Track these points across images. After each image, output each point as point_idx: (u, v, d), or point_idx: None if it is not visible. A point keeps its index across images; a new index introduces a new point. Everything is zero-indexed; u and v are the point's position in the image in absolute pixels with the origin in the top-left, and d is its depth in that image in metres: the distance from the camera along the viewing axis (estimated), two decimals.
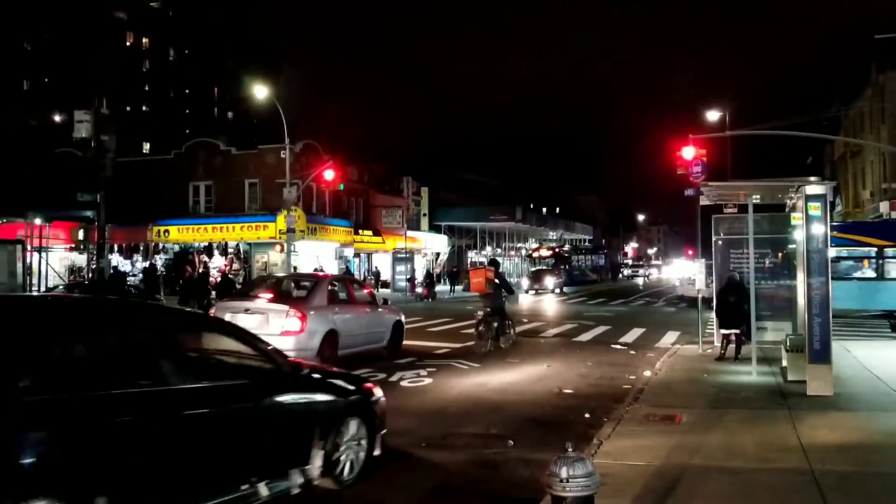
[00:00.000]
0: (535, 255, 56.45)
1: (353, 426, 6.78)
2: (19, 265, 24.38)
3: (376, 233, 47.99)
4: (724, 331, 14.54)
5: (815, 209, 10.77)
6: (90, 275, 31.99)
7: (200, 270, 34.46)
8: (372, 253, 49.96)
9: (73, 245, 36.41)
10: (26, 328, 4.81)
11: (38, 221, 29.17)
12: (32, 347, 4.67)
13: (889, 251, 23.86)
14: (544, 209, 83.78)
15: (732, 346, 14.34)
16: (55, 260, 33.67)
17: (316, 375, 6.95)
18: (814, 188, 10.96)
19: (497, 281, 17.63)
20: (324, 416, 6.50)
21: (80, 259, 36.47)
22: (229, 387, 5.77)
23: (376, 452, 7.05)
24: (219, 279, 30.08)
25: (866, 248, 23.61)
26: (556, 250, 57.38)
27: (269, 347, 6.45)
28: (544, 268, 49.68)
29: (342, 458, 6.61)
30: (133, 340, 5.35)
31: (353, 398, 6.96)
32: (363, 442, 6.89)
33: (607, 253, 69.82)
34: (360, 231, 46.07)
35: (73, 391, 4.58)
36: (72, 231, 35.52)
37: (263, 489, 5.66)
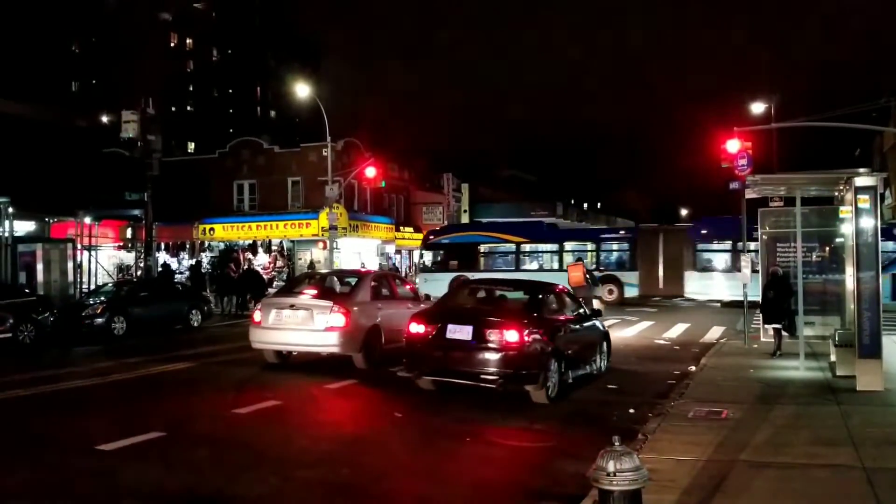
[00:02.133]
0: None
1: (605, 346, 13.15)
2: (70, 263, 24.95)
3: (417, 229, 48.10)
4: (768, 326, 14.37)
5: (865, 202, 10.56)
6: (138, 272, 32.60)
7: (245, 268, 34.90)
8: (413, 250, 50.07)
9: (121, 243, 37.07)
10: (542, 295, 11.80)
11: (87, 220, 29.67)
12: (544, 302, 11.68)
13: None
14: (585, 205, 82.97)
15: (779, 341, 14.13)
16: (104, 258, 34.20)
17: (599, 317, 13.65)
18: (863, 180, 10.75)
19: (588, 275, 20.59)
20: (601, 337, 13.02)
21: (129, 257, 37.11)
22: (579, 316, 12.30)
23: (610, 359, 13.32)
24: (254, 276, 30.44)
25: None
26: None
27: (578, 299, 13.57)
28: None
29: (602, 362, 12.86)
30: (556, 298, 12.18)
31: (605, 330, 13.53)
32: (605, 355, 13.04)
33: None
34: (402, 228, 46.24)
35: (554, 316, 11.55)
36: (120, 229, 36.16)
37: (587, 368, 12.05)
